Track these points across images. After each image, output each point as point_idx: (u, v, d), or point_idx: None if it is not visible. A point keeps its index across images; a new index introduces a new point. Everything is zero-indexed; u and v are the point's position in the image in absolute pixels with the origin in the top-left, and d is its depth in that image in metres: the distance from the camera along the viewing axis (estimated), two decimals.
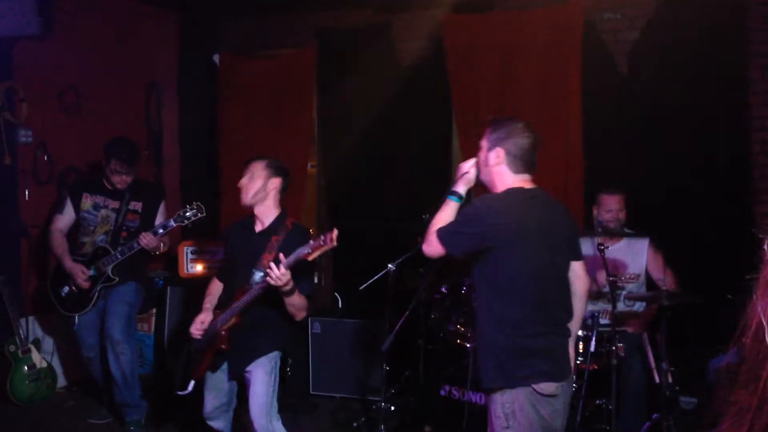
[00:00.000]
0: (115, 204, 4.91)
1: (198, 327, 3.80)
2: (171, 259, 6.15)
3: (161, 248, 4.86)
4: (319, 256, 3.37)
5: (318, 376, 5.67)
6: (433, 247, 3.03)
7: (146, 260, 5.13)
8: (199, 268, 5.96)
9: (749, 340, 0.73)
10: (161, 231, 4.69)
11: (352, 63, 6.24)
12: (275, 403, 3.78)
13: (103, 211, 4.91)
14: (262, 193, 3.79)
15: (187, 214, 4.53)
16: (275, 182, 3.81)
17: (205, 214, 4.59)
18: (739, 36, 5.04)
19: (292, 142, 6.55)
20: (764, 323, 0.69)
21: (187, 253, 5.97)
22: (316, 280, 6.45)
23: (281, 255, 3.41)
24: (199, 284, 4.53)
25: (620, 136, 5.31)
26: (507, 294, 2.92)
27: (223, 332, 3.68)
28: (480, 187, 3.21)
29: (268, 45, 6.85)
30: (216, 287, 4.02)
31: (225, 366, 3.80)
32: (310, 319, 5.68)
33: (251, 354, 3.75)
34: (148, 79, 6.69)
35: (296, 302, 3.59)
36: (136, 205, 4.95)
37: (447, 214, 3.11)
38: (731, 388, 0.76)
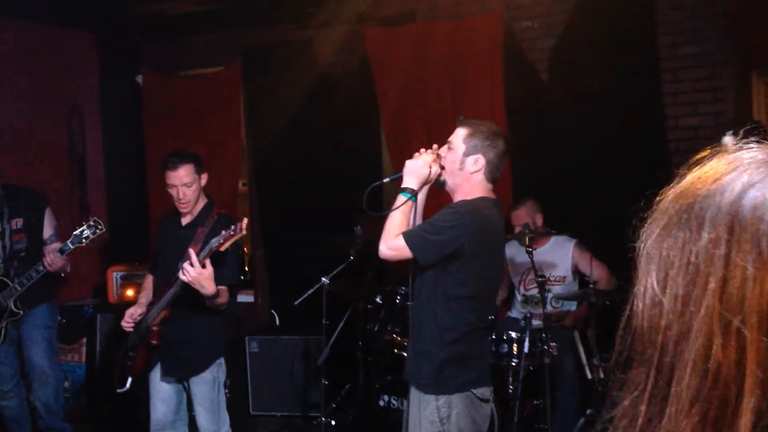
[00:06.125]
0: None
1: (127, 319, 3.77)
2: (100, 285, 6.00)
3: (68, 269, 4.47)
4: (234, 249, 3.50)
5: (258, 395, 5.60)
6: (397, 251, 2.82)
7: (53, 278, 4.60)
8: (129, 293, 5.83)
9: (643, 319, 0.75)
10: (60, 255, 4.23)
11: (278, 79, 6.22)
12: (224, 410, 3.86)
13: None
14: (198, 193, 3.78)
15: (85, 233, 3.99)
16: (205, 177, 3.81)
17: (104, 229, 4.10)
18: (650, 39, 5.22)
19: (222, 160, 6.49)
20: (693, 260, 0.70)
21: (116, 278, 5.83)
22: (251, 289, 6.47)
23: (191, 251, 3.34)
24: None
25: (543, 141, 5.43)
26: (465, 302, 2.88)
27: (154, 328, 3.64)
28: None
29: (191, 64, 6.80)
30: (149, 282, 4.01)
31: (167, 372, 3.80)
32: (247, 338, 5.62)
33: (191, 368, 3.77)
34: (71, 103, 6.53)
35: (217, 302, 3.50)
36: (17, 222, 4.52)
37: (403, 213, 2.91)
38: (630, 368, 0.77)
